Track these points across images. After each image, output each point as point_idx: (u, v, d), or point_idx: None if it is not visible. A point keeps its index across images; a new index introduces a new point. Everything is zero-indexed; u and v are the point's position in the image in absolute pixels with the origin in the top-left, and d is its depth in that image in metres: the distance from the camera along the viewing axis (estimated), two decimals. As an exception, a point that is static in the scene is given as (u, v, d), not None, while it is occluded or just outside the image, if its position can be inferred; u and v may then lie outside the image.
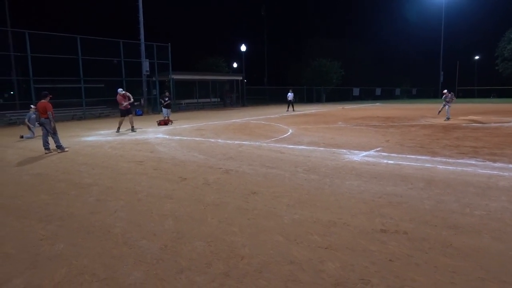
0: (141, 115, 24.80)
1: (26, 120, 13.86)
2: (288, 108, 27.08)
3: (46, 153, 9.57)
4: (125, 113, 14.73)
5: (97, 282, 2.93)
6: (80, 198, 5.36)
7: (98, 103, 26.09)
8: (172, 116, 19.03)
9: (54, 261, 3.34)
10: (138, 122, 17.65)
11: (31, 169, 7.62)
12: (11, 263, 3.34)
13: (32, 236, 3.94)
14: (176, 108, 31.19)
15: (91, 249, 3.56)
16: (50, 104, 9.74)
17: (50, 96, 9.95)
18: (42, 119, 9.72)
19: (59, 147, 9.81)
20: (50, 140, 9.82)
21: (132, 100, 14.93)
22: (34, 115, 13.54)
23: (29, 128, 13.63)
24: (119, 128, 14.68)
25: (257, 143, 10.39)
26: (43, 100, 9.71)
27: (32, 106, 13.98)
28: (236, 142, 10.75)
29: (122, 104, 14.54)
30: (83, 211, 4.75)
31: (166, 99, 18.61)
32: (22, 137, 13.41)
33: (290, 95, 27.36)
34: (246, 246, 3.53)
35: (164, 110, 18.46)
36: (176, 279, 2.94)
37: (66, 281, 2.96)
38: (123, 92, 14.91)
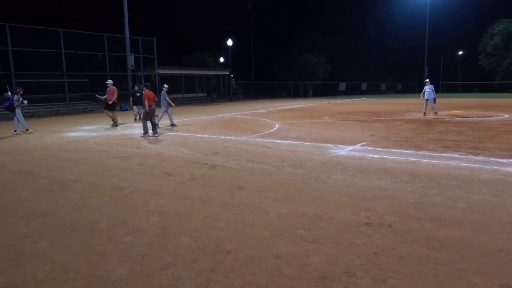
0: (126, 110, 24.36)
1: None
2: None
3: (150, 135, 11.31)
4: (111, 107, 14.29)
5: (81, 280, 2.89)
6: (63, 194, 5.27)
7: (82, 98, 25.61)
8: (158, 112, 18.48)
9: (36, 258, 3.28)
10: (123, 117, 17.44)
11: (13, 165, 7.46)
12: (-8, 261, 3.27)
13: (14, 234, 3.86)
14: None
15: (75, 246, 3.51)
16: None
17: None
18: (152, 107, 11.26)
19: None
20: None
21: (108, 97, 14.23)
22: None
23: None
24: (115, 122, 14.30)
25: (244, 138, 10.38)
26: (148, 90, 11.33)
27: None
28: (223, 137, 10.72)
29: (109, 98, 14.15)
30: (66, 207, 4.68)
31: (138, 94, 15.33)
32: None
33: None
34: (232, 241, 3.53)
35: (135, 108, 16.03)
36: (161, 275, 2.93)
37: (49, 278, 2.92)
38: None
